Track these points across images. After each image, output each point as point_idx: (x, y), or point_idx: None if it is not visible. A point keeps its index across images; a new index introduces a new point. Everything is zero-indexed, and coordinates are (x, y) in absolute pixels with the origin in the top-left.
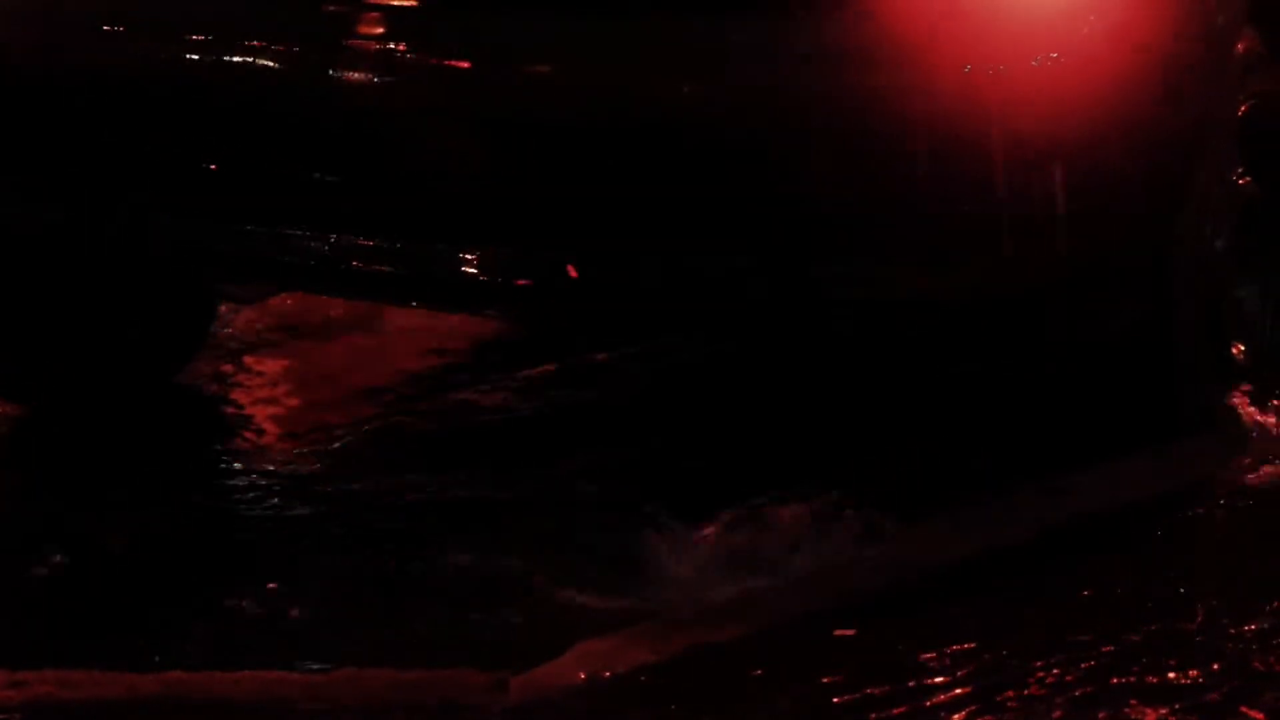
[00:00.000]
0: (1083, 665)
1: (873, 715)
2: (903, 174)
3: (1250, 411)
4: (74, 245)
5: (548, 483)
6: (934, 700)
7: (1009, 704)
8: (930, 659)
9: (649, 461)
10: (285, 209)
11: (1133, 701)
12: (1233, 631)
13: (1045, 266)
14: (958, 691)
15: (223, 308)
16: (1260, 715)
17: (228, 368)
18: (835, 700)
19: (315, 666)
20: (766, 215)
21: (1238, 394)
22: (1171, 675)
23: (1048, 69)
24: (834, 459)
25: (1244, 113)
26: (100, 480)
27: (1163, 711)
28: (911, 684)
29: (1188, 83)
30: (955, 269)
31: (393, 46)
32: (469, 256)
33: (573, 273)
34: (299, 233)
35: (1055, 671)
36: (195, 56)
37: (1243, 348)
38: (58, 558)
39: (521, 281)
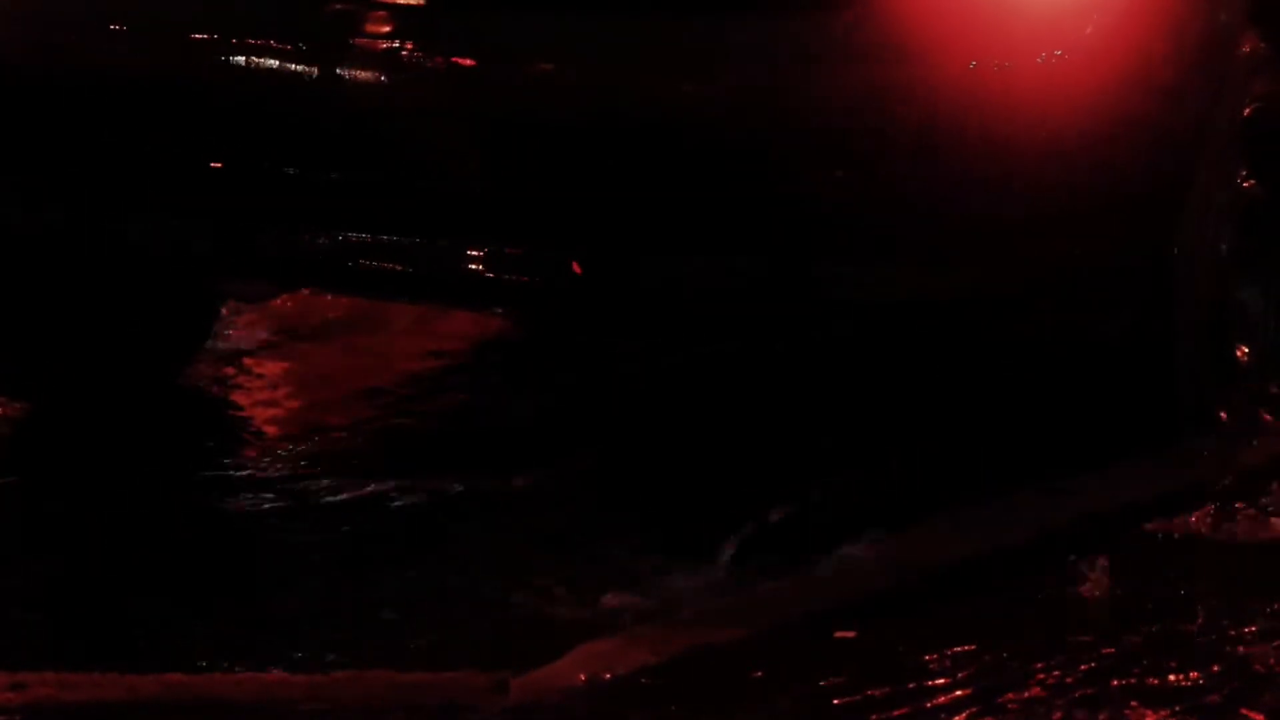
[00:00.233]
0: (1083, 667)
1: (873, 716)
2: (904, 172)
3: (1252, 412)
4: (75, 246)
5: (549, 483)
6: (934, 701)
7: (1009, 705)
8: (931, 660)
9: (650, 462)
10: (289, 207)
11: (1133, 703)
12: (1233, 633)
13: (1046, 266)
14: (958, 693)
15: (223, 309)
16: (1260, 717)
17: (228, 369)
18: (836, 702)
19: (316, 667)
20: (767, 214)
21: (1240, 395)
22: (1172, 677)
23: (1051, 66)
24: (834, 459)
25: (1248, 114)
26: (100, 481)
27: (1163, 713)
28: (912, 685)
29: (1190, 82)
30: (955, 268)
31: (397, 45)
32: (474, 254)
33: (577, 270)
34: (304, 230)
35: (1056, 673)
36: (199, 55)
37: (1246, 349)
38: (58, 559)
39: (526, 279)
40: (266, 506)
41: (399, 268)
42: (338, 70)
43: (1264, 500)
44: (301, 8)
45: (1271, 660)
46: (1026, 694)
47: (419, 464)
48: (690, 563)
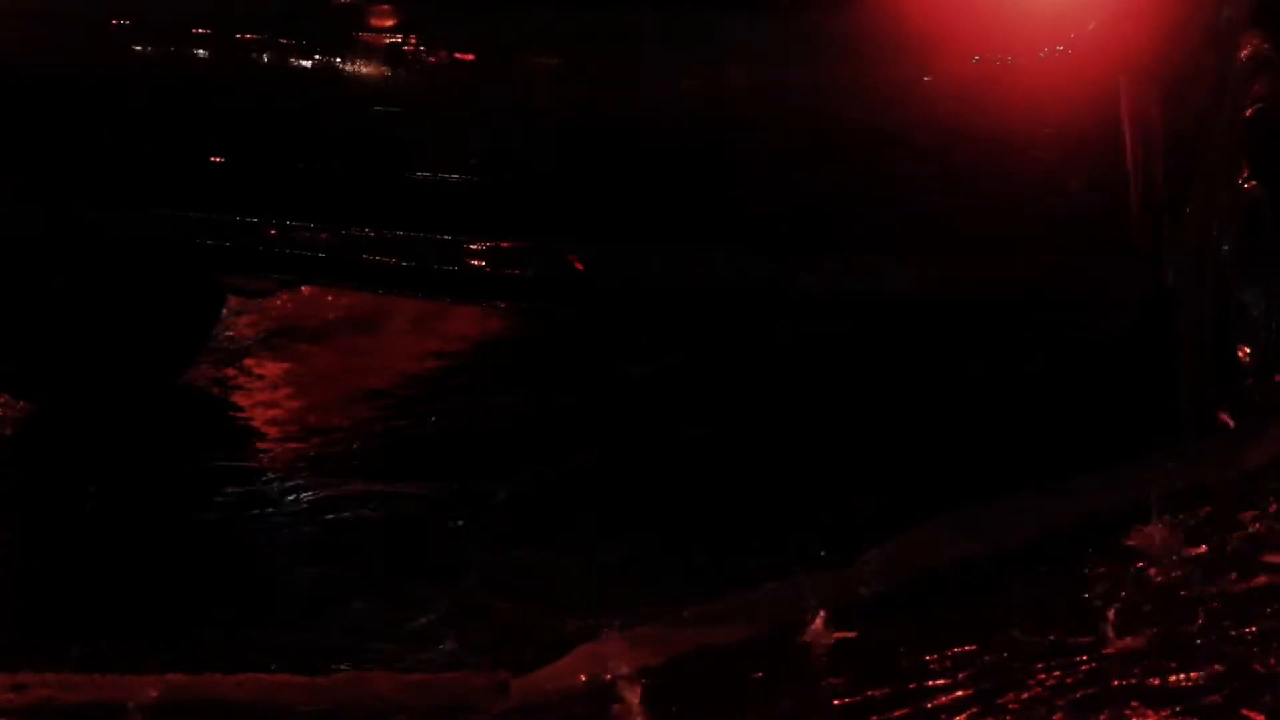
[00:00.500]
0: (1083, 668)
1: (874, 717)
2: (903, 169)
3: (1253, 413)
4: (75, 246)
5: (549, 483)
6: (935, 702)
7: (1010, 706)
8: (931, 661)
9: (650, 462)
10: (293, 202)
11: (1134, 703)
12: (1233, 634)
13: (1046, 265)
14: (959, 693)
15: (223, 309)
16: (1260, 717)
17: (228, 369)
18: (836, 702)
19: (316, 668)
20: (767, 211)
21: (1241, 395)
22: (1172, 677)
23: (1054, 63)
24: (834, 458)
25: (1250, 116)
26: (101, 481)
27: (1164, 713)
28: (912, 686)
29: (1192, 81)
30: (955, 266)
31: (400, 40)
32: (475, 249)
33: (578, 266)
34: (308, 225)
35: (1056, 673)
36: (201, 51)
37: (1247, 349)
38: (58, 559)
39: (526, 274)
40: (266, 507)
41: (400, 262)
42: (339, 64)
43: (1265, 501)
44: (304, 2)
45: (1271, 660)
46: (1026, 694)
47: (419, 464)
48: (691, 563)
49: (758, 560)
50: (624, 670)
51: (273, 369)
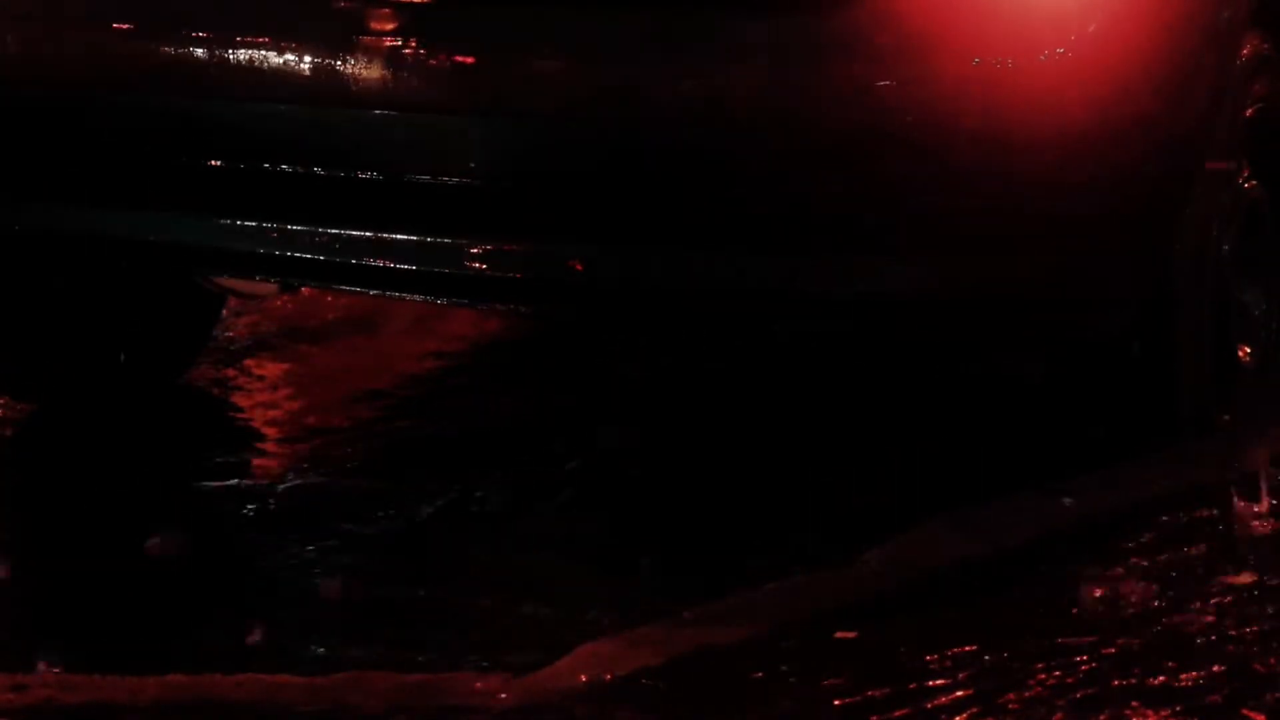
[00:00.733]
0: (1083, 668)
1: (874, 717)
2: (904, 169)
3: (1253, 413)
4: (76, 247)
5: (549, 484)
6: (935, 702)
7: (1010, 706)
8: (931, 661)
9: (651, 462)
10: (293, 204)
11: (1134, 703)
12: (1234, 633)
13: (1046, 264)
14: (959, 694)
15: (223, 309)
16: (1261, 717)
17: (228, 369)
18: (836, 702)
19: (316, 668)
20: (767, 212)
21: (1241, 395)
22: (1173, 677)
23: (1054, 64)
24: (834, 458)
25: (1250, 115)
26: (101, 481)
27: (1164, 713)
28: (913, 686)
29: (1192, 81)
30: (955, 266)
31: (400, 42)
32: (476, 251)
33: (579, 268)
34: (308, 228)
35: (1056, 673)
36: (201, 52)
37: (1249, 350)
38: (58, 559)
39: (528, 277)
40: (266, 507)
41: (400, 265)
42: (339, 66)
43: (1265, 501)
44: (304, 4)
45: (1272, 660)
46: (1027, 694)
47: (419, 465)
48: (691, 563)
49: (758, 560)
50: (624, 670)
51: (273, 369)
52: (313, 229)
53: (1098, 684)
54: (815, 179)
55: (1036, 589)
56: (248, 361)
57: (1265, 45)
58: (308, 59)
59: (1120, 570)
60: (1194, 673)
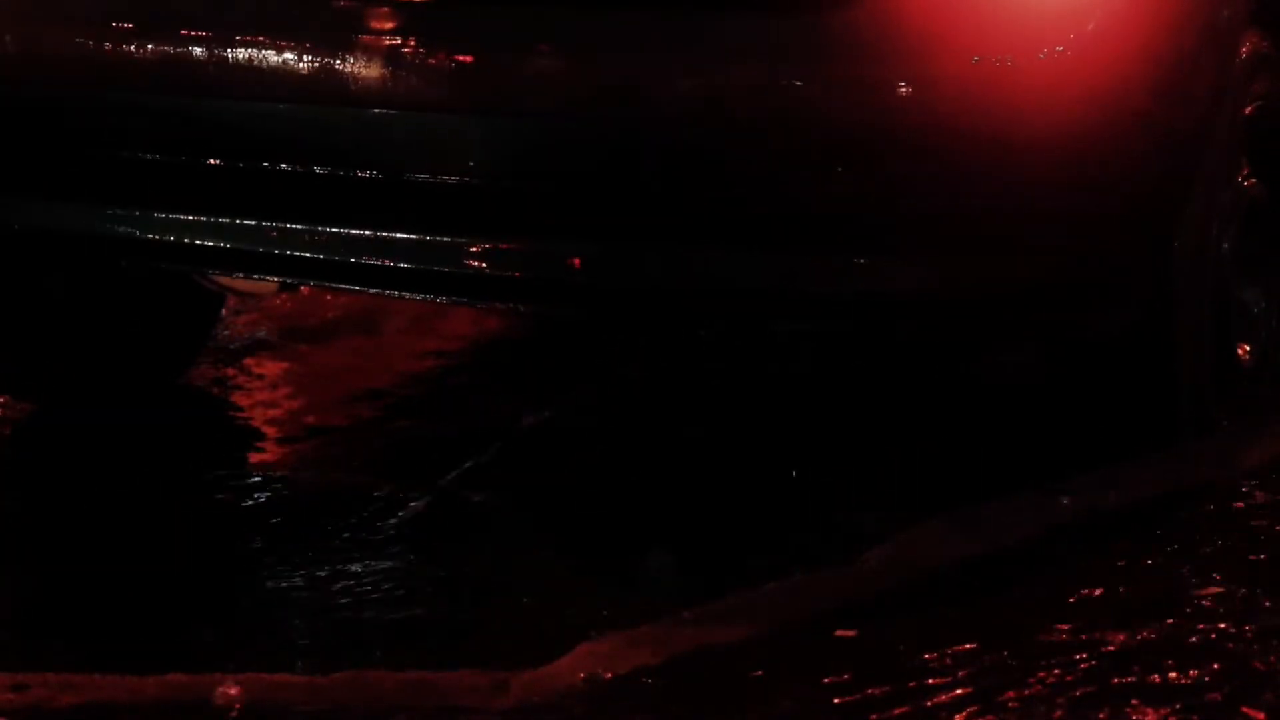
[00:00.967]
0: (1083, 666)
1: (874, 716)
2: (903, 169)
3: (1253, 413)
4: (76, 247)
5: (549, 484)
6: (935, 700)
7: (1010, 704)
8: (931, 660)
9: (650, 461)
10: (293, 203)
11: (1134, 701)
12: (1233, 632)
13: (1046, 265)
14: (959, 692)
15: (222, 309)
16: (1261, 715)
17: (228, 369)
18: (836, 701)
19: (316, 667)
20: (767, 211)
21: (1241, 395)
22: (1172, 675)
23: (1054, 63)
24: (834, 458)
25: (1250, 114)
26: (101, 481)
27: (1163, 711)
28: (913, 685)
29: (1191, 79)
30: (955, 266)
31: (399, 41)
32: (475, 250)
33: (578, 267)
34: (308, 227)
35: (1056, 672)
36: (200, 51)
37: (1248, 349)
38: (58, 559)
39: (526, 276)
40: (266, 507)
41: (400, 264)
42: (338, 65)
43: (1265, 501)
44: (303, 3)
45: (1272, 658)
46: (1026, 692)
47: (419, 464)
48: (691, 563)
49: (758, 560)
50: (623, 670)
51: (273, 369)
52: (312, 228)
53: (1097, 682)
54: (815, 178)
55: (1036, 588)
56: (247, 360)
57: (1265, 44)
58: (307, 58)
59: (1119, 570)
60: (1193, 671)
